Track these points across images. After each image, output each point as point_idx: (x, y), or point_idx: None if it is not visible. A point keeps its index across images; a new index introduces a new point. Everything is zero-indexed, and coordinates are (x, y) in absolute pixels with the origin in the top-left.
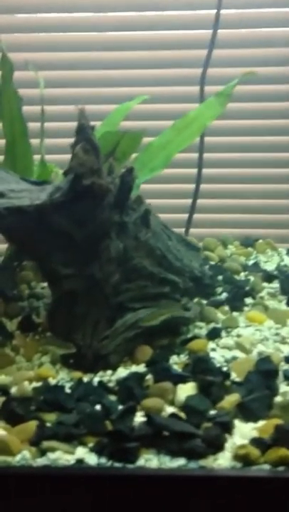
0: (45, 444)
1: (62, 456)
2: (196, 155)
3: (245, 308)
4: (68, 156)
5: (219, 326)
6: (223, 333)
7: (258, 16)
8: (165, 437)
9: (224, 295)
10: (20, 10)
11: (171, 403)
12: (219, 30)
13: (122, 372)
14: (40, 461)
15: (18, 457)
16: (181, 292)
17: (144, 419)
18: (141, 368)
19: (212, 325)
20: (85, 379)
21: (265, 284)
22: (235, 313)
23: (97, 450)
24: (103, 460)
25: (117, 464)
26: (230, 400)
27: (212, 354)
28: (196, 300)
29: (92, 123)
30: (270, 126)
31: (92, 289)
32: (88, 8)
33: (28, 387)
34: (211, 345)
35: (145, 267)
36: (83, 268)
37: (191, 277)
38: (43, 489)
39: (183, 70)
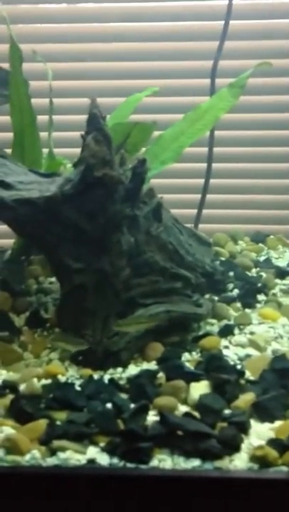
0: (56, 443)
1: (73, 455)
2: (205, 149)
3: (258, 305)
4: (76, 150)
5: (231, 323)
6: (236, 331)
7: (271, 8)
8: (179, 437)
9: (236, 291)
10: (27, 0)
11: (184, 402)
12: (231, 22)
13: (133, 369)
14: (51, 461)
15: (27, 456)
16: (193, 288)
17: (156, 418)
18: (152, 366)
19: (224, 322)
20: (95, 376)
21: (277, 281)
22: (247, 310)
23: (109, 450)
24: (115, 460)
25: (129, 465)
26: (246, 399)
27: (225, 352)
28: (207, 296)
29: None
30: (282, 120)
31: (103, 284)
32: None
33: (37, 384)
34: (224, 342)
35: (157, 262)
36: (93, 262)
37: (203, 273)
38: (54, 490)
39: (193, 62)
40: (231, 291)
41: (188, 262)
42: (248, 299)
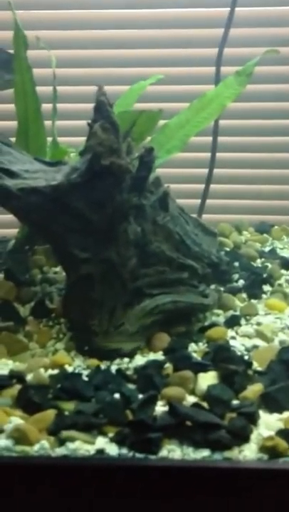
0: (64, 433)
1: (82, 446)
2: (209, 139)
3: (264, 296)
4: (79, 139)
5: (238, 313)
6: (242, 321)
7: None
8: (188, 428)
9: (241, 282)
10: None
11: (192, 392)
12: (237, 8)
13: (140, 360)
14: (59, 451)
15: (36, 447)
16: (199, 278)
17: (165, 408)
18: (159, 356)
19: (230, 312)
20: (102, 366)
21: (283, 271)
22: (253, 301)
23: (118, 440)
24: (124, 451)
25: (138, 455)
26: (254, 389)
27: (232, 342)
28: (213, 286)
29: None
30: (288, 109)
31: (109, 274)
32: None
33: (44, 374)
34: (230, 333)
35: (163, 252)
36: (100, 252)
37: (209, 263)
38: (63, 480)
39: (198, 50)
40: (237, 281)
41: (194, 252)
42: (253, 290)
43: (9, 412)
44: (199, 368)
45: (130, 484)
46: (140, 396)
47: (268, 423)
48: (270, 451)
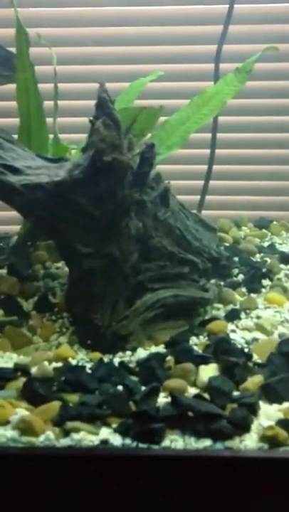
0: (69, 424)
1: (87, 436)
2: (208, 135)
3: (263, 290)
4: (80, 136)
5: (238, 307)
6: (242, 315)
7: None
8: (190, 418)
9: (241, 276)
10: None
11: (194, 384)
12: (236, 5)
13: (142, 353)
14: (64, 442)
15: (41, 438)
16: (200, 273)
17: (167, 400)
18: (160, 349)
19: (230, 306)
20: (105, 359)
21: (282, 266)
22: (253, 295)
23: (122, 431)
24: (128, 441)
25: (142, 445)
26: (254, 381)
27: (232, 336)
28: (213, 281)
29: None
30: (286, 106)
31: (111, 269)
32: None
33: (49, 367)
34: (231, 326)
35: (164, 247)
36: (102, 247)
37: (209, 258)
38: (68, 470)
39: (197, 47)
40: (236, 276)
41: (195, 247)
42: (253, 284)
43: (15, 404)
44: (200, 360)
45: (134, 474)
46: (143, 388)
47: (268, 413)
48: (270, 440)
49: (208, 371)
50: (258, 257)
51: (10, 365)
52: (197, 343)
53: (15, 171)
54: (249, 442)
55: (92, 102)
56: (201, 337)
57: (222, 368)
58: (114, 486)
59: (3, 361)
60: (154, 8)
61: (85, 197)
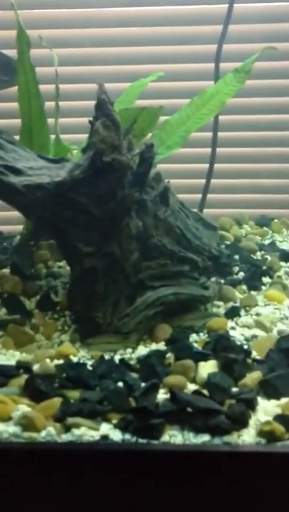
0: (70, 420)
1: (87, 432)
2: (209, 134)
3: (263, 288)
4: (81, 136)
5: (238, 304)
6: (242, 312)
7: None
8: (189, 414)
9: (241, 274)
10: None
11: (193, 381)
12: (235, 5)
13: (143, 350)
14: (65, 437)
15: (43, 433)
16: (200, 271)
17: (167, 396)
18: (161, 346)
19: (230, 304)
20: (106, 357)
21: (282, 264)
22: (253, 293)
23: (122, 426)
24: (128, 436)
25: (141, 440)
26: (253, 377)
27: (232, 333)
28: (213, 279)
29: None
30: (287, 104)
31: (112, 267)
32: None
33: (51, 364)
34: (231, 323)
35: (165, 245)
36: (103, 246)
37: (209, 256)
38: (69, 465)
39: (197, 47)
40: (237, 274)
41: (195, 246)
42: (253, 282)
43: (17, 400)
44: (200, 357)
45: (134, 468)
46: (143, 384)
47: (266, 409)
48: (267, 435)
49: (208, 368)
50: (258, 255)
51: (12, 362)
52: (197, 340)
53: (16, 171)
54: (247, 437)
55: (93, 103)
56: (201, 334)
57: (221, 365)
58: (115, 481)
59: (6, 359)
60: (153, 8)
61: (85, 197)
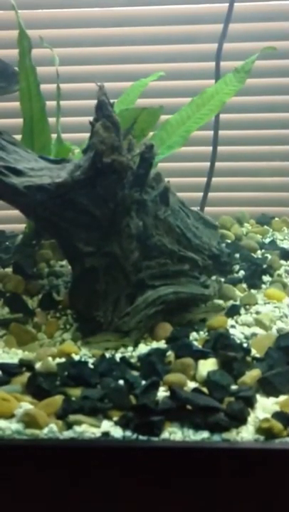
0: (72, 417)
1: (89, 429)
2: (210, 132)
3: (263, 286)
4: (82, 135)
5: (238, 303)
6: (242, 311)
7: None
8: (189, 411)
9: (241, 273)
10: None
11: (193, 378)
12: (236, 4)
13: (143, 348)
14: (67, 434)
15: (45, 430)
16: (200, 270)
17: (167, 393)
18: (161, 345)
19: (230, 302)
20: (107, 355)
21: (282, 262)
22: (253, 291)
23: (123, 424)
24: (128, 433)
25: (142, 437)
26: (252, 375)
27: (232, 331)
28: (214, 278)
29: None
30: (287, 103)
31: (113, 267)
32: None
33: (52, 362)
34: (230, 322)
35: (165, 245)
36: (104, 245)
37: (209, 255)
38: (70, 461)
39: (198, 46)
40: (237, 272)
41: (195, 245)
42: (253, 280)
43: (19, 398)
44: (200, 355)
45: (134, 465)
46: (143, 382)
47: (265, 406)
48: (266, 432)
49: (207, 366)
50: (259, 254)
51: (15, 360)
52: (197, 338)
53: (18, 172)
54: (246, 434)
55: (93, 102)
56: (202, 332)
57: (221, 363)
58: (115, 477)
59: (9, 357)
60: (154, 7)
61: (86, 197)
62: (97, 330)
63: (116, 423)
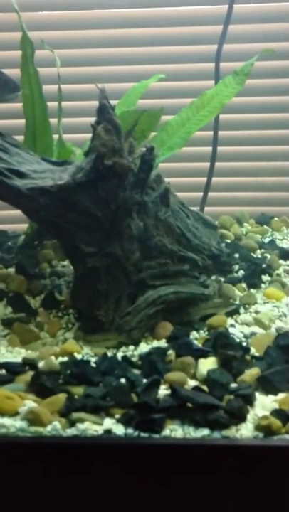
0: (75, 415)
1: (91, 426)
2: (210, 133)
3: (262, 286)
4: (83, 136)
5: (237, 302)
6: (242, 310)
7: None
8: (189, 409)
9: (241, 272)
10: None
11: (193, 377)
12: (235, 6)
13: (144, 347)
14: (70, 432)
15: (49, 427)
16: (200, 270)
17: (168, 391)
18: (162, 344)
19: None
20: (109, 354)
21: (281, 262)
22: (252, 290)
23: (124, 421)
24: (130, 430)
25: (143, 434)
26: (251, 373)
27: (231, 330)
28: (213, 277)
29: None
30: (287, 103)
31: (114, 267)
32: None
33: (55, 361)
34: (230, 321)
35: (165, 245)
36: (105, 246)
37: (209, 255)
38: (73, 458)
39: (198, 47)
40: (237, 272)
41: (195, 245)
42: (253, 280)
43: (23, 396)
44: (200, 354)
45: (136, 461)
46: (144, 380)
47: (264, 404)
48: (265, 429)
49: (207, 364)
50: (258, 253)
51: (18, 359)
52: (197, 337)
53: (21, 174)
54: (245, 431)
55: (94, 103)
56: (202, 331)
57: (220, 361)
58: (117, 473)
59: (12, 356)
60: (154, 9)
61: (88, 199)
62: (99, 329)
63: (118, 421)
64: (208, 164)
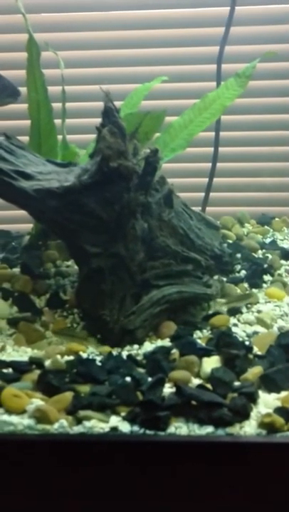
0: (81, 413)
1: (98, 424)
2: (212, 133)
3: (264, 285)
4: (87, 136)
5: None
6: (244, 309)
7: None
8: (194, 407)
9: (243, 272)
10: None
11: (197, 375)
12: (237, 7)
13: (148, 346)
14: (77, 429)
15: (56, 425)
16: (203, 270)
17: (172, 390)
18: (166, 343)
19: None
20: (114, 353)
21: (282, 262)
22: (254, 290)
23: (130, 419)
24: (136, 428)
25: (148, 432)
26: (254, 372)
27: (234, 329)
28: (216, 277)
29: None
30: (288, 104)
31: (118, 267)
32: None
33: (61, 360)
34: (233, 320)
35: (169, 246)
36: (110, 247)
37: (212, 255)
38: (80, 455)
39: (200, 48)
40: (239, 272)
41: (198, 246)
42: (254, 280)
43: (30, 394)
44: (203, 352)
45: (141, 458)
46: (149, 379)
47: (267, 402)
48: (268, 427)
49: (211, 363)
50: (259, 253)
51: (25, 358)
52: (201, 336)
53: (27, 176)
54: (248, 429)
55: (98, 104)
56: (205, 331)
57: (224, 360)
58: (123, 470)
59: (19, 355)
60: (156, 11)
61: (93, 200)
62: (104, 328)
63: (124, 418)
64: (209, 165)
